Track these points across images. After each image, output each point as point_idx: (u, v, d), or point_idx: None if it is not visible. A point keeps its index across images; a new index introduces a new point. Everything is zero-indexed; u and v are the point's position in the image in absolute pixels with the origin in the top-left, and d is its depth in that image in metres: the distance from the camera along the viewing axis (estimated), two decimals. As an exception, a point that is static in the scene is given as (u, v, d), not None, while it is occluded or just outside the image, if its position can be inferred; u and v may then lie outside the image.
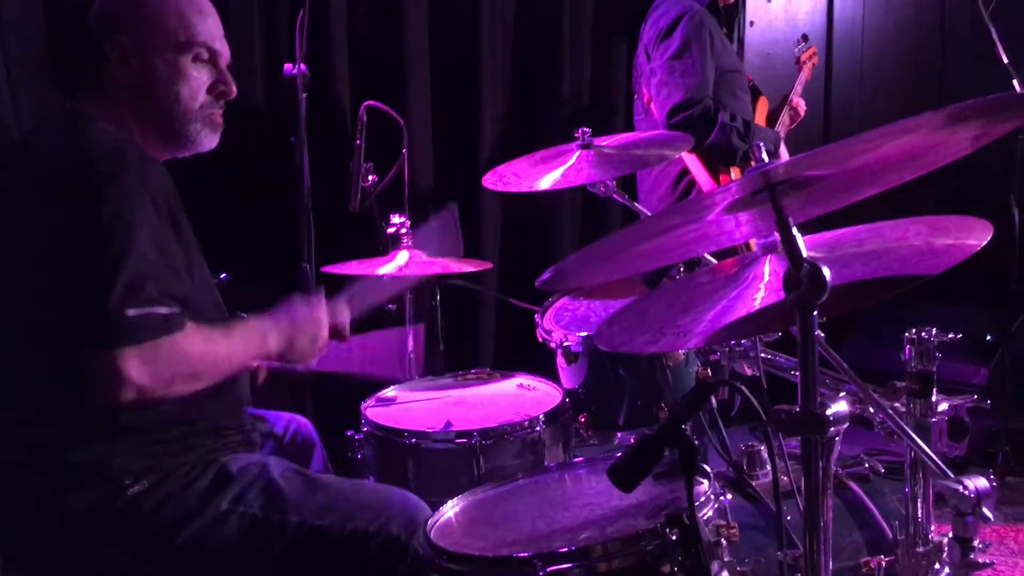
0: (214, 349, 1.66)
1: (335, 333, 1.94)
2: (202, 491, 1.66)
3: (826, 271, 1.21)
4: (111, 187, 1.56)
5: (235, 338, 1.72)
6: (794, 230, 1.26)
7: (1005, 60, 3.27)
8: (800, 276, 1.22)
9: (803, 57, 4.07)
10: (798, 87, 3.93)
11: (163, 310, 1.55)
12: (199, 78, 1.77)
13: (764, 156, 1.34)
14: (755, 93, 3.78)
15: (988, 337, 3.83)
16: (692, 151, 3.32)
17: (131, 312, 1.51)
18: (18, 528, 1.63)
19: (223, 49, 1.82)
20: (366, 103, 2.95)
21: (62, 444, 1.59)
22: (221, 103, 1.82)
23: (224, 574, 1.68)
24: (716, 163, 3.41)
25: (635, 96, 3.64)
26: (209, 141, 1.82)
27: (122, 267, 1.52)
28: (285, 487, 1.73)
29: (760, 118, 3.77)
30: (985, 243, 1.41)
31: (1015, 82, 3.23)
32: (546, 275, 1.39)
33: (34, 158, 1.68)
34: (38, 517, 1.61)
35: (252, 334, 1.76)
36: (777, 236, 1.30)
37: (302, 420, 2.19)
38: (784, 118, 3.82)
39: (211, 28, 1.80)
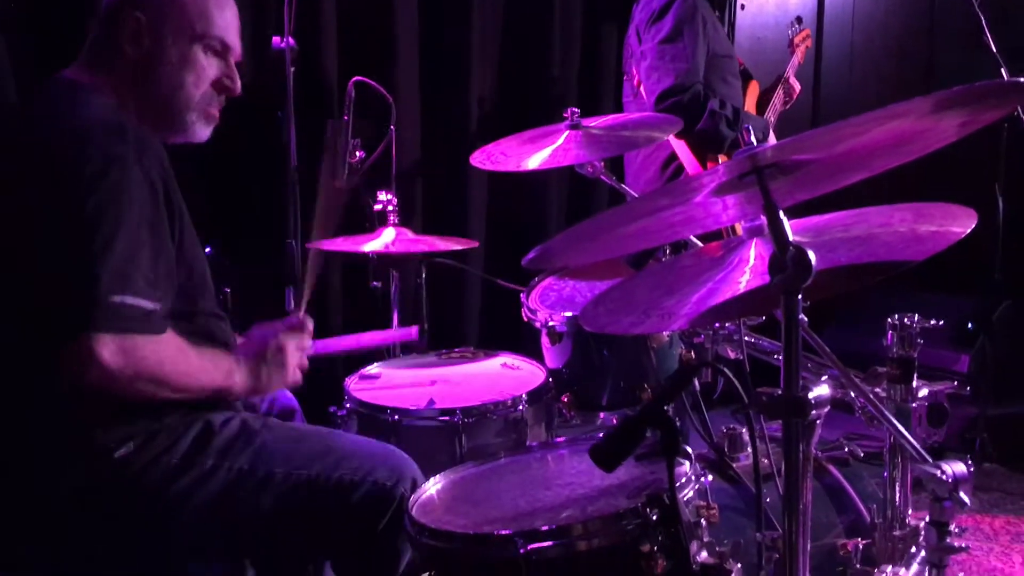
0: (185, 362, 1.64)
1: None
2: (187, 449, 1.67)
3: (811, 255, 1.21)
4: (109, 165, 1.55)
5: (206, 360, 1.70)
6: (780, 214, 1.26)
7: (994, 48, 3.27)
8: (785, 260, 1.23)
9: (796, 40, 4.06)
10: (790, 71, 3.91)
11: (147, 304, 1.55)
12: (207, 69, 1.75)
13: (753, 140, 1.34)
14: (746, 77, 3.77)
15: (969, 325, 3.86)
16: (680, 137, 3.31)
17: (116, 299, 1.51)
18: (11, 496, 1.62)
19: (236, 45, 1.80)
20: (354, 79, 2.93)
21: (47, 414, 1.59)
22: (222, 97, 1.81)
23: (213, 528, 1.69)
24: (704, 149, 3.40)
25: (625, 77, 3.63)
26: (202, 133, 1.81)
27: (112, 251, 1.51)
28: (269, 439, 1.74)
29: (751, 103, 3.76)
30: (969, 231, 1.41)
31: (1003, 70, 3.24)
32: (532, 254, 1.39)
33: (30, 131, 1.65)
34: (29, 484, 1.61)
35: (222, 364, 1.74)
36: (763, 220, 1.31)
37: (283, 392, 2.19)
38: (776, 101, 3.81)
39: (229, 21, 1.78)
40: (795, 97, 3.88)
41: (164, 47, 1.71)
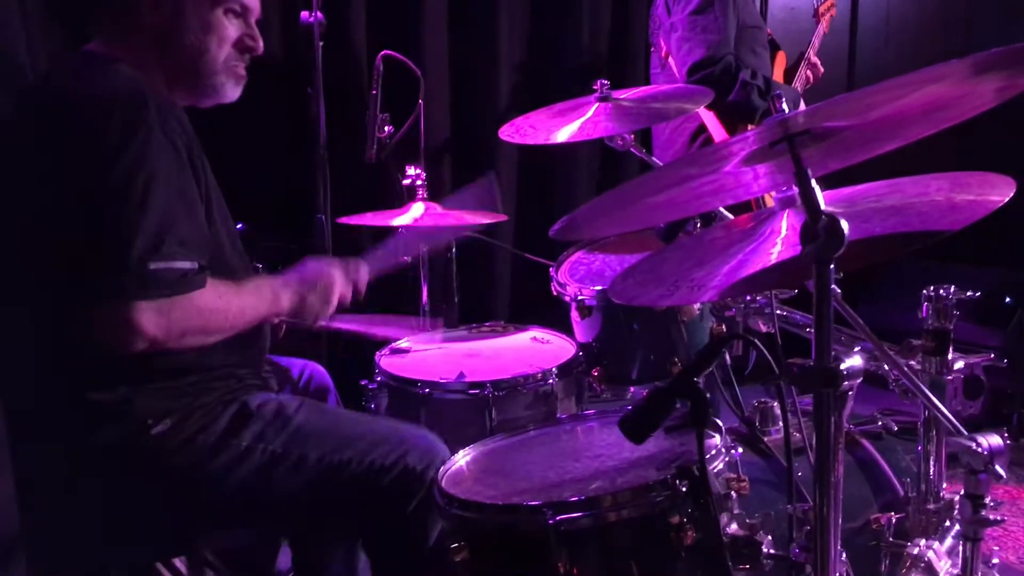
0: (227, 306, 1.67)
1: (352, 291, 1.95)
2: (223, 430, 1.69)
3: (844, 224, 1.19)
4: (133, 132, 1.56)
5: (248, 295, 1.74)
6: (812, 181, 1.24)
7: (1035, 16, 3.20)
8: (817, 229, 1.20)
9: (821, 9, 4.03)
10: (816, 40, 3.87)
11: (184, 264, 1.57)
12: (228, 30, 1.77)
13: (784, 107, 1.32)
14: (773, 48, 3.73)
15: (1007, 299, 3.79)
16: (711, 108, 3.28)
17: (151, 266, 1.53)
18: (47, 462, 1.65)
19: (255, 5, 1.81)
20: (383, 52, 2.92)
21: (86, 384, 1.61)
22: (246, 57, 1.82)
23: (246, 509, 1.71)
24: (735, 121, 3.36)
25: (652, 49, 3.59)
26: (232, 92, 1.83)
27: (144, 218, 1.53)
28: (305, 423, 1.76)
29: (777, 73, 3.71)
30: (1007, 200, 1.38)
31: (1044, 39, 3.17)
32: (559, 224, 1.38)
33: (54, 102, 1.66)
34: (65, 452, 1.63)
35: (265, 292, 1.79)
36: (795, 190, 1.29)
37: (316, 367, 2.21)
38: (801, 74, 3.77)
39: None
40: (819, 75, 3.83)
41: (185, 12, 1.72)
